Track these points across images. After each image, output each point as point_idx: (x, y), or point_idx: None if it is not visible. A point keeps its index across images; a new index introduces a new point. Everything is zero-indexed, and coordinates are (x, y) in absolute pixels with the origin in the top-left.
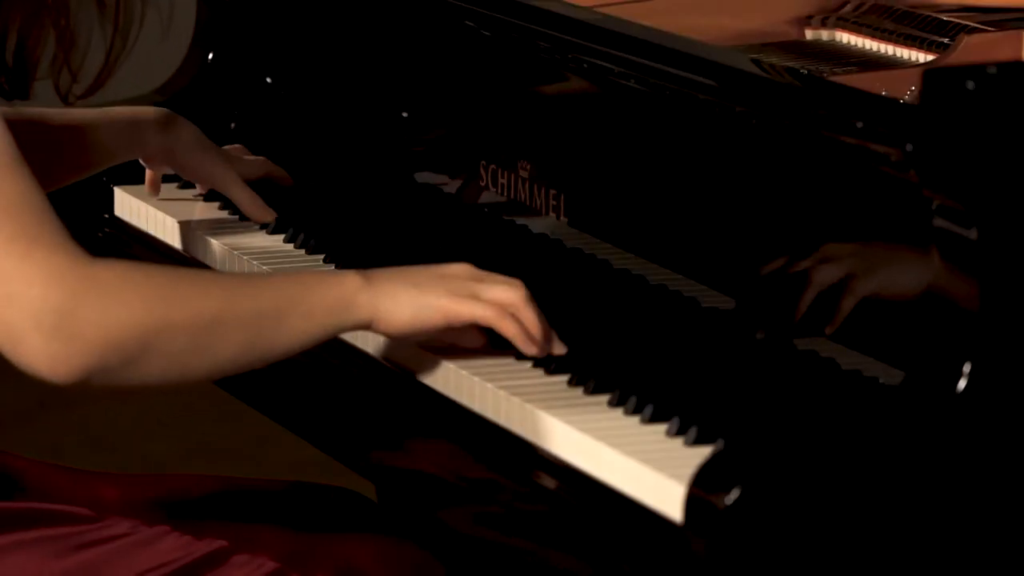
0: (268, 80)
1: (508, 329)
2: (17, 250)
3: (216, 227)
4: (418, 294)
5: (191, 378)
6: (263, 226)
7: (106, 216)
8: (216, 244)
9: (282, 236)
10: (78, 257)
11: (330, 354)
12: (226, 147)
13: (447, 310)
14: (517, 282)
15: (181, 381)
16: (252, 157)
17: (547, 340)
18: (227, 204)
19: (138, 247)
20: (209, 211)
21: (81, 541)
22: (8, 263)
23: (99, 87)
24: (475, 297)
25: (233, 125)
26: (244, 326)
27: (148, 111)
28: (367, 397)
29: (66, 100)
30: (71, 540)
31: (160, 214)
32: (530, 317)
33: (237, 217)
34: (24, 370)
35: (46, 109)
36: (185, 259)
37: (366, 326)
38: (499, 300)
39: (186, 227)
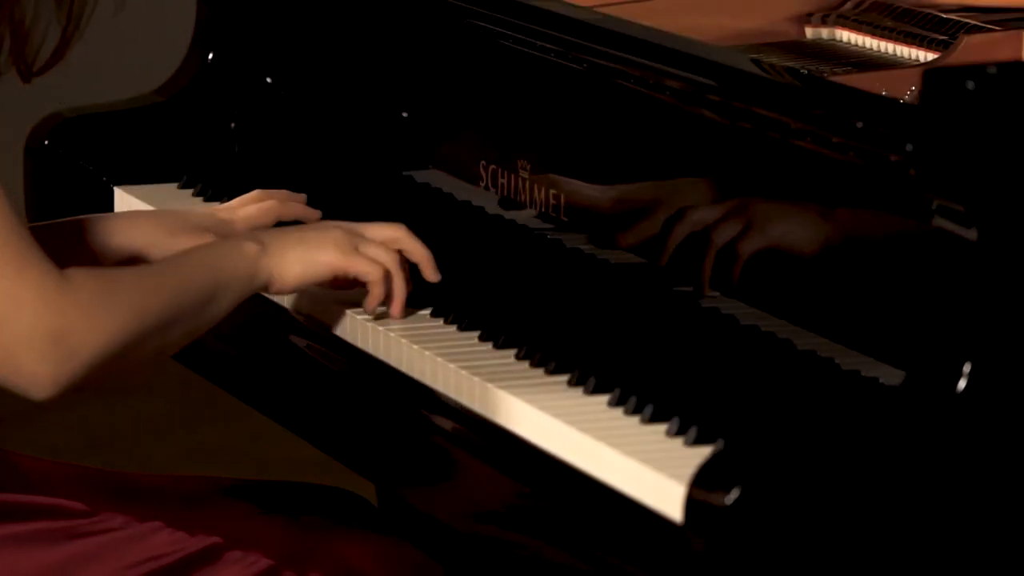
0: (268, 80)
1: (378, 291)
2: (8, 270)
3: None
4: (305, 251)
5: (142, 366)
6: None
7: None
8: None
9: None
10: (59, 277)
11: (338, 356)
12: (237, 199)
13: (333, 265)
14: (395, 224)
15: (134, 371)
16: (258, 205)
17: (431, 271)
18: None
19: None
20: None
21: (74, 533)
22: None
23: (56, 62)
24: (357, 250)
25: (233, 125)
26: (188, 316)
27: (108, 224)
28: (368, 396)
29: (27, 79)
30: (64, 533)
31: None
32: (416, 249)
33: None
34: (6, 387)
35: None
36: None
37: (264, 288)
38: (377, 259)
39: None
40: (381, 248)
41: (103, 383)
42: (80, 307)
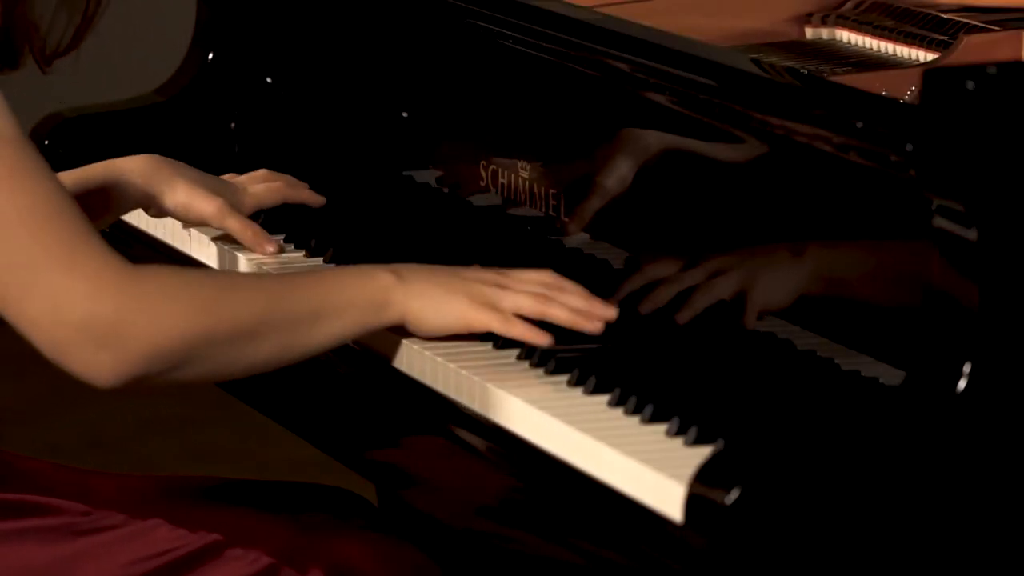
0: (268, 80)
1: (516, 332)
2: (60, 261)
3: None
4: (443, 298)
5: (229, 377)
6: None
7: None
8: (216, 248)
9: (282, 236)
10: (120, 267)
11: (337, 355)
12: (246, 175)
13: (466, 318)
14: (543, 278)
15: (218, 380)
16: (266, 184)
17: (591, 314)
18: None
19: (138, 247)
20: None
21: (75, 530)
22: (52, 276)
23: (72, 50)
24: (494, 306)
25: (233, 125)
26: (282, 331)
27: (122, 166)
28: (367, 396)
29: (47, 64)
30: (64, 530)
31: None
32: (557, 312)
33: None
34: (70, 374)
35: None
36: (184, 260)
37: (397, 324)
38: (519, 309)
39: (185, 229)
40: (522, 297)
41: (189, 384)
42: (140, 299)
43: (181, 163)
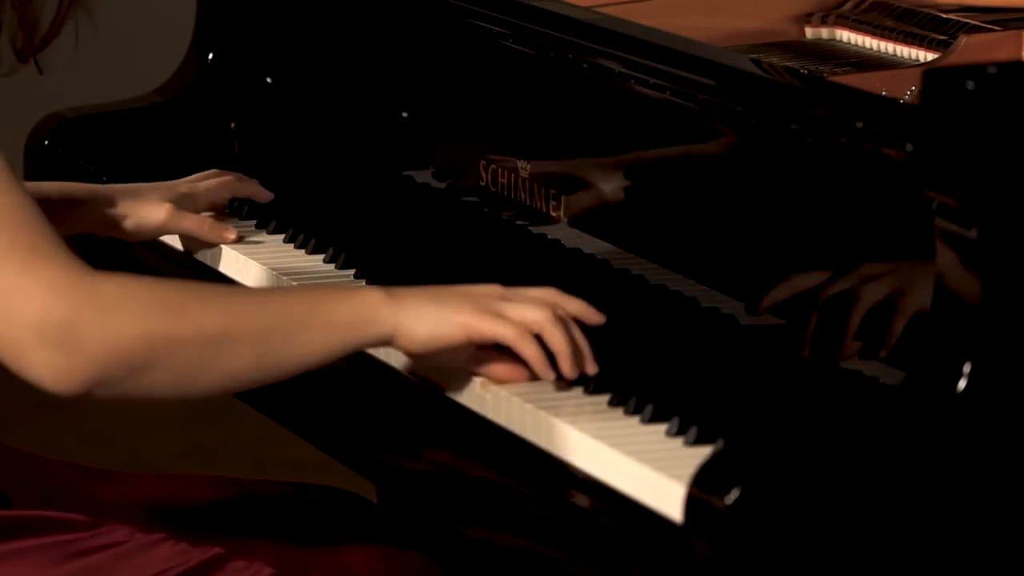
0: (268, 80)
1: (527, 351)
2: (14, 263)
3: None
4: (439, 310)
5: (200, 392)
6: (260, 226)
7: None
8: (224, 251)
9: (282, 236)
10: (77, 269)
11: (351, 366)
12: (193, 175)
13: (468, 326)
14: (547, 297)
15: (190, 394)
16: (216, 179)
17: (579, 359)
18: (236, 210)
19: (140, 248)
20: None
21: (78, 549)
22: (5, 278)
23: (51, 40)
24: (499, 315)
25: (233, 125)
26: (252, 341)
27: (74, 191)
28: (371, 397)
29: (22, 58)
30: (67, 548)
31: None
32: (557, 337)
33: (237, 218)
34: (29, 382)
35: None
36: (186, 261)
37: (387, 341)
38: (524, 319)
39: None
40: (528, 307)
41: (159, 398)
42: (96, 301)
43: (116, 185)
